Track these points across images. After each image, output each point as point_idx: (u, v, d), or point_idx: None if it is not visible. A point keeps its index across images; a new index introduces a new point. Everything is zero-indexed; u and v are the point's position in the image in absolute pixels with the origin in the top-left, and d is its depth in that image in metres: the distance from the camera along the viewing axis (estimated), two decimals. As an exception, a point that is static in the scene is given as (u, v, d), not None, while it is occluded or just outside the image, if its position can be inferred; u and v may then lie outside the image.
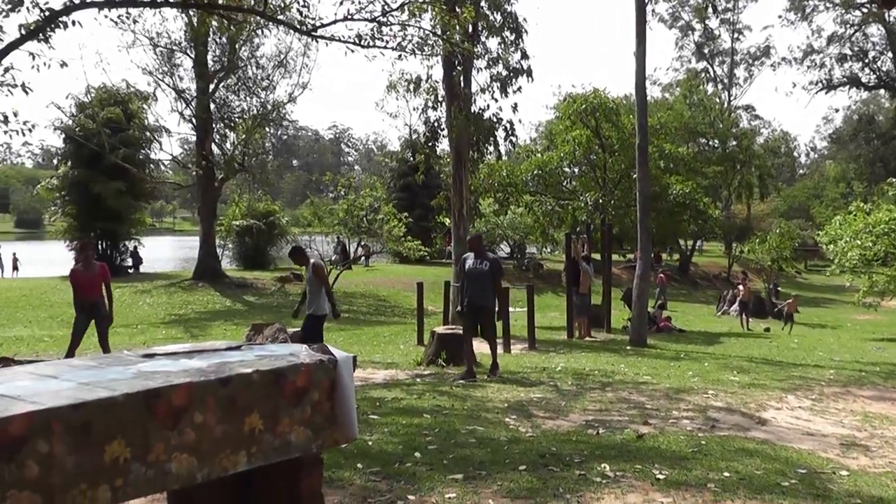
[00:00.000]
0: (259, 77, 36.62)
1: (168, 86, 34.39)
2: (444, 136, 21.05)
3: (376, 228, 31.78)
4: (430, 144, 21.76)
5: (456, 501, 5.11)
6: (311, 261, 11.65)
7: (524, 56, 20.24)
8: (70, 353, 11.94)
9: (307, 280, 11.68)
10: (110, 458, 2.92)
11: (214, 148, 35.09)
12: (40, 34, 12.70)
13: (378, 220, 31.69)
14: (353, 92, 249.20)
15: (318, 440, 3.69)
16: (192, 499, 3.93)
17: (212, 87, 34.51)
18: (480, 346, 11.95)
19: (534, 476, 5.70)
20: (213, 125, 34.91)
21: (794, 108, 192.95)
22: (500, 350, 14.77)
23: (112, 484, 2.93)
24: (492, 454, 6.33)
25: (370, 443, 6.58)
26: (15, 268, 42.43)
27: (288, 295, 29.89)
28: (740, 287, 29.49)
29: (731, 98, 75.51)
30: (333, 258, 34.02)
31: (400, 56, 17.83)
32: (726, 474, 5.85)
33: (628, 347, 16.96)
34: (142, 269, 39.64)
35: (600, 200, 25.60)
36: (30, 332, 20.83)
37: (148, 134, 37.83)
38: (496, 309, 11.51)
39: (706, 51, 77.17)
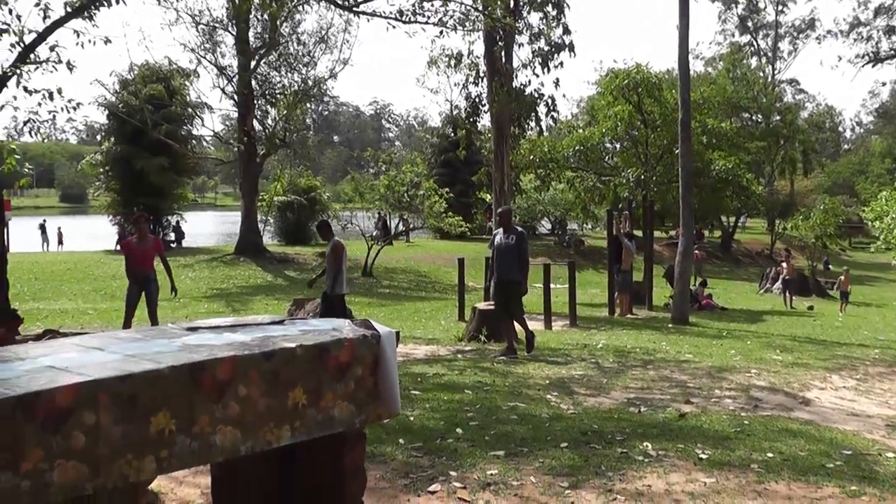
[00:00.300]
0: (300, 53, 36.71)
1: (210, 62, 34.64)
2: (485, 111, 20.92)
3: (417, 204, 31.77)
4: (471, 120, 21.65)
5: (498, 478, 5.09)
6: (334, 239, 11.71)
7: (566, 31, 20.02)
8: (126, 324, 12.10)
9: (326, 257, 11.80)
10: (156, 429, 2.94)
11: (256, 124, 35.27)
12: (85, 11, 12.82)
13: (419, 195, 31.66)
14: (394, 68, 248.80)
15: (361, 415, 3.69)
16: (236, 472, 3.96)
17: (253, 63, 34.60)
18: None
19: (575, 453, 5.67)
20: (255, 101, 35.07)
21: (840, 82, 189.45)
22: (541, 326, 14.75)
23: (157, 455, 2.95)
24: (533, 431, 6.31)
25: (412, 418, 6.59)
26: (60, 242, 43.12)
27: (328, 270, 29.92)
28: (783, 264, 29.13)
29: (775, 72, 74.30)
30: (374, 234, 34.10)
31: (441, 32, 17.79)
32: (770, 455, 5.77)
33: (670, 325, 16.84)
34: (184, 243, 40.10)
35: (642, 176, 25.36)
36: (74, 305, 21.12)
37: (190, 110, 38.18)
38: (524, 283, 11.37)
39: (750, 24, 75.96)
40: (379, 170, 35.38)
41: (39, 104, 13.07)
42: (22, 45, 12.35)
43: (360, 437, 3.85)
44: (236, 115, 35.71)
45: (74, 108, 13.32)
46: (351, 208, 34.70)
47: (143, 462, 2.91)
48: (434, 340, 13.59)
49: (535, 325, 15.73)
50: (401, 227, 36.80)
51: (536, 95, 20.09)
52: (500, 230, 11.35)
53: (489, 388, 8.28)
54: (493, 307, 13.02)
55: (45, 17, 12.74)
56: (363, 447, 3.92)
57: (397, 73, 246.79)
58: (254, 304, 21.69)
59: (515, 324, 11.44)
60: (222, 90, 34.76)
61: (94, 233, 44.67)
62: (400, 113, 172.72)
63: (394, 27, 16.65)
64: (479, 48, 20.02)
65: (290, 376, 3.36)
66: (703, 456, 5.69)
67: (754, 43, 76.13)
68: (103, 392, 2.81)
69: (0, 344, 9.40)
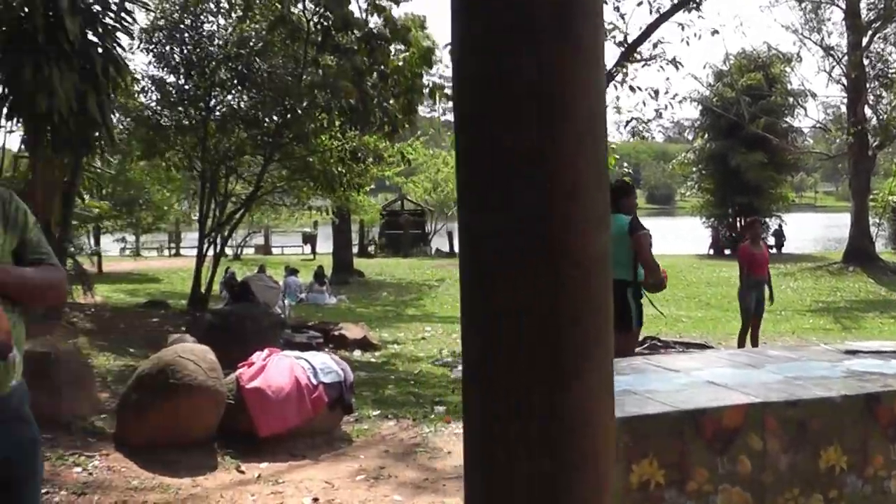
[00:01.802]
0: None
1: (814, 43, 33.97)
2: None
3: None
4: None
5: None
6: None
7: None
8: (741, 337, 12.38)
9: None
10: (825, 465, 2.92)
11: (867, 111, 33.65)
12: (691, 2, 13.40)
13: None
14: None
15: None
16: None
17: (865, 40, 33.09)
18: None
19: None
20: (867, 85, 33.46)
21: None
22: None
23: (826, 495, 2.93)
24: None
25: None
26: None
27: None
28: None
29: None
30: None
31: None
32: None
33: None
34: (784, 249, 39.63)
35: None
36: (667, 310, 22.00)
37: (791, 99, 37.70)
38: None
39: None
40: None
41: (644, 102, 14.09)
42: (626, 43, 13.29)
43: None
44: (842, 101, 34.49)
45: (679, 103, 14.10)
46: None
47: (809, 499, 2.91)
48: None
49: None
50: None
51: None
52: None
53: None
54: None
55: (651, 12, 13.60)
56: None
57: None
58: (865, 322, 20.60)
59: None
60: (828, 74, 33.86)
61: (683, 235, 46.22)
62: None
63: None
64: None
65: (983, 416, 3.11)
66: None
67: None
68: (771, 415, 2.86)
69: (623, 353, 10.14)
